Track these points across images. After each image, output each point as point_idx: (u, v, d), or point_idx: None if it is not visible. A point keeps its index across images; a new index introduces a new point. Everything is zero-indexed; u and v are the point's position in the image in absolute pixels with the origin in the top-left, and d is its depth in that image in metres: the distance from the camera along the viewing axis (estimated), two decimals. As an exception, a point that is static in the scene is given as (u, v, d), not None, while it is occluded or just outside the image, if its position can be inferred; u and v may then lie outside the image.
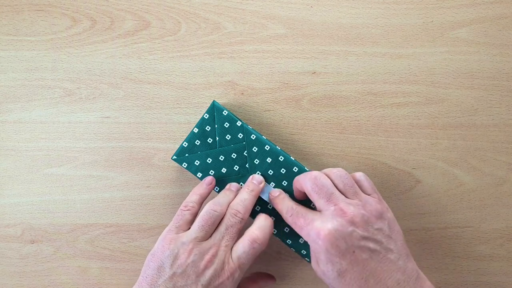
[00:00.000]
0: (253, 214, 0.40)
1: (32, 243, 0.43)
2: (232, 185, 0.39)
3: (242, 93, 0.43)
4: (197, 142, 0.40)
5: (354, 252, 0.33)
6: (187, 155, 0.40)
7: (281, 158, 0.39)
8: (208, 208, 0.36)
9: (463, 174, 0.44)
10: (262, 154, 0.40)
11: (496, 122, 0.43)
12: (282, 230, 0.40)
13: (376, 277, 0.33)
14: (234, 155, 0.40)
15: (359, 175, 0.37)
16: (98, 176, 0.43)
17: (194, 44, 0.43)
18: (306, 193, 0.36)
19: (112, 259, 0.43)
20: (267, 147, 0.40)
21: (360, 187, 0.37)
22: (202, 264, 0.34)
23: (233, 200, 0.38)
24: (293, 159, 0.40)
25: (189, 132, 0.41)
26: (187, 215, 0.37)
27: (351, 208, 0.34)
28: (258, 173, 0.40)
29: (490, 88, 0.43)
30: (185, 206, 0.37)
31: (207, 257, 0.34)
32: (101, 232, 0.43)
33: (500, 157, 0.43)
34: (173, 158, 0.40)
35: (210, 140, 0.40)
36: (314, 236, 0.33)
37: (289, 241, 0.40)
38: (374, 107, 0.43)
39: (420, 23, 0.43)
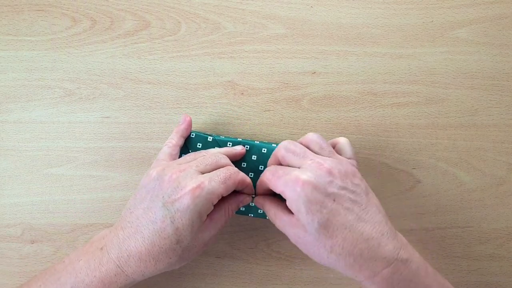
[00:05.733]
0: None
1: (32, 243, 0.43)
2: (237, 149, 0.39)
3: (242, 93, 0.43)
4: None
5: (334, 200, 0.31)
6: None
7: (264, 150, 0.39)
8: (215, 151, 0.37)
9: (463, 174, 0.44)
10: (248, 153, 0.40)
11: (496, 122, 0.43)
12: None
13: (360, 227, 0.31)
14: None
15: (343, 140, 0.37)
16: (98, 176, 0.43)
17: (194, 44, 0.43)
18: (282, 162, 0.35)
19: (112, 259, 0.43)
20: (247, 147, 0.39)
21: (339, 150, 0.36)
22: (167, 176, 0.33)
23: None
24: (266, 142, 0.40)
25: None
26: (165, 149, 0.38)
27: (328, 161, 0.32)
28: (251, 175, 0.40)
29: (490, 88, 0.43)
30: (166, 144, 0.39)
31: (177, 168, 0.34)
32: (101, 232, 0.43)
33: (500, 157, 0.43)
34: None
35: None
36: (292, 184, 0.31)
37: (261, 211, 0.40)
38: (374, 107, 0.43)
39: (420, 23, 0.43)
